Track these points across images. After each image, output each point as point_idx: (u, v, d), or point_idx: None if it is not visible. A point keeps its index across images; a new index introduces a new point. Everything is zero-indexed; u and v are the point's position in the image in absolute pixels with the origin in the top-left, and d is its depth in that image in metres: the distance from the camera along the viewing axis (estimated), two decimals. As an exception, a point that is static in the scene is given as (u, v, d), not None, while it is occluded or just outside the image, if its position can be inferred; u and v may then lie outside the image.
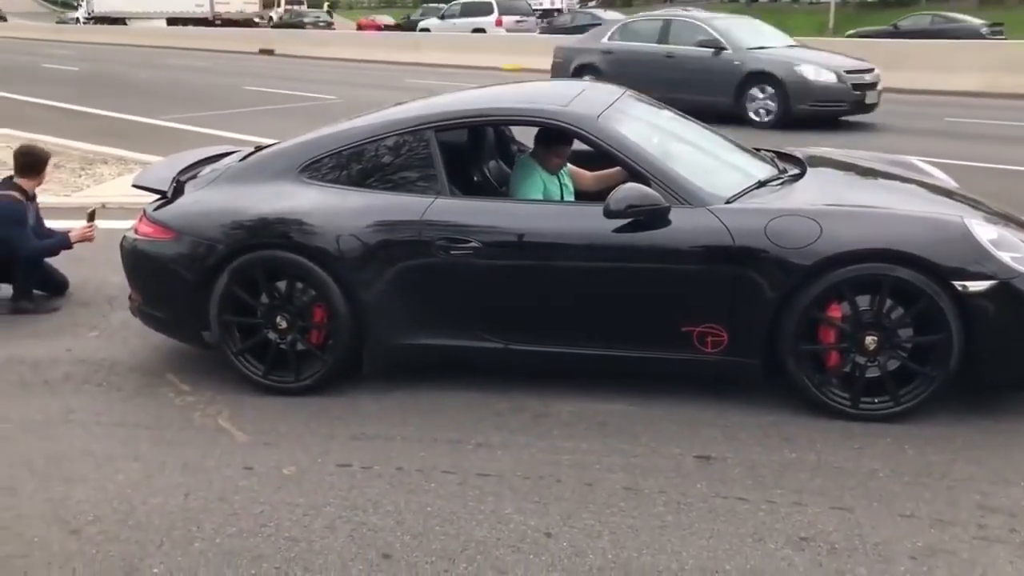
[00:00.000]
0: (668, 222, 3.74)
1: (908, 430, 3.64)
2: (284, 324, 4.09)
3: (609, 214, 3.72)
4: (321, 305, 4.03)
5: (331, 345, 4.06)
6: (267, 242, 4.02)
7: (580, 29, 22.91)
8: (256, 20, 47.22)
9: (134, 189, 4.68)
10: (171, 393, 4.22)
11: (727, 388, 3.99)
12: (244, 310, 4.12)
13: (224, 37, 35.55)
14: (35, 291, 5.49)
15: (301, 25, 42.83)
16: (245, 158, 4.55)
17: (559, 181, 4.49)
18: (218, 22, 44.62)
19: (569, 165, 4.62)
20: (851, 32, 25.90)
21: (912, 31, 24.80)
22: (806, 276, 3.60)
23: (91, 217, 5.44)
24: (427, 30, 32.52)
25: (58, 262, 5.64)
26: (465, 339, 4.02)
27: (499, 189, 4.66)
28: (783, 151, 4.90)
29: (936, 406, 3.72)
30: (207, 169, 4.60)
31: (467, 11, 32.55)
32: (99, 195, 8.28)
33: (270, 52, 30.90)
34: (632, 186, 3.77)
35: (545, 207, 4.12)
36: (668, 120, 4.72)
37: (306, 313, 4.07)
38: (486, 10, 32.08)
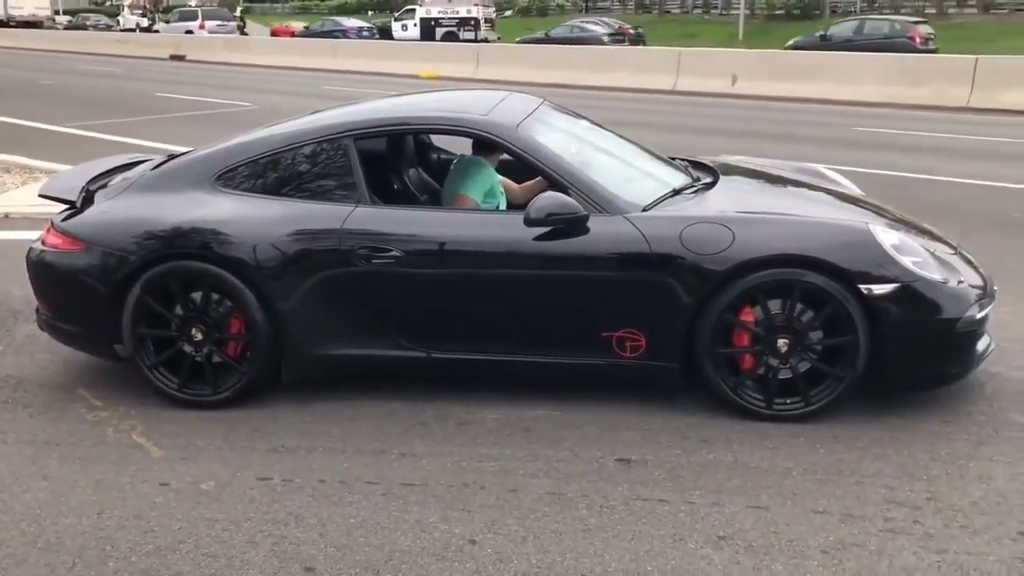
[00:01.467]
0: (587, 230, 3.80)
1: (820, 430, 3.77)
2: (200, 336, 4.00)
3: (529, 222, 3.77)
4: (238, 316, 3.96)
5: (249, 357, 4.00)
6: (181, 252, 3.93)
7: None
8: (46, 23, 53.09)
9: (40, 199, 4.52)
10: (83, 409, 4.09)
11: (647, 391, 4.06)
12: (158, 322, 4.02)
13: (133, 42, 34.64)
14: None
15: (84, 27, 49.75)
16: (158, 167, 4.44)
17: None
18: (12, 24, 49.34)
19: (499, 177, 4.64)
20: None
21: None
22: (720, 281, 3.70)
23: None
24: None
25: (-42, 275, 5.42)
26: (387, 348, 4.00)
27: (419, 197, 4.66)
28: (696, 159, 5.03)
29: (845, 406, 3.87)
30: (118, 178, 4.47)
31: (183, 16, 42.29)
32: (2, 205, 7.97)
33: (181, 58, 30.22)
34: (551, 195, 3.82)
35: (466, 216, 4.13)
36: (586, 129, 4.79)
37: (222, 324, 3.99)
38: (193, 16, 41.41)
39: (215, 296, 3.97)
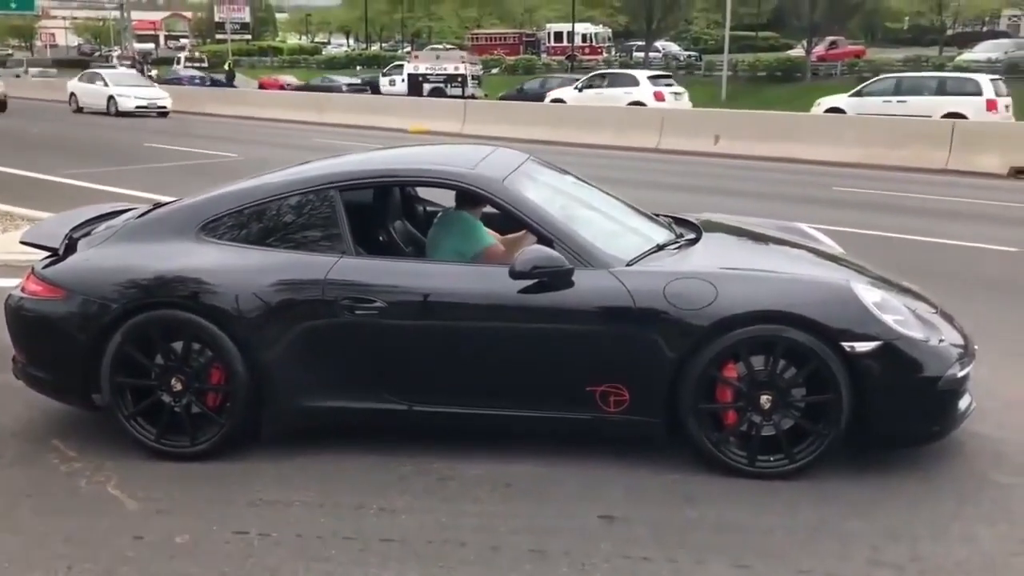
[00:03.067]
0: (571, 283, 3.80)
1: (802, 487, 3.74)
2: (179, 386, 3.95)
3: (514, 275, 3.77)
4: (219, 366, 3.92)
5: (228, 408, 3.95)
6: (164, 301, 3.91)
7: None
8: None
9: (21, 246, 4.49)
10: (56, 459, 4.01)
11: (629, 447, 4.03)
12: (137, 372, 3.97)
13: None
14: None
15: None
16: (142, 215, 4.43)
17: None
18: None
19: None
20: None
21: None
22: (703, 336, 3.70)
23: None
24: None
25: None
26: (369, 401, 3.96)
27: (404, 249, 4.66)
28: (679, 216, 5.07)
29: (828, 464, 3.84)
30: (102, 226, 4.45)
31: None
32: (-18, 251, 7.91)
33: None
34: (537, 248, 3.84)
35: (450, 267, 4.12)
36: (571, 185, 4.83)
37: (202, 375, 3.95)
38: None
39: (196, 346, 3.93)
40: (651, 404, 3.82)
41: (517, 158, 4.59)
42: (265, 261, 3.97)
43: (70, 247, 4.24)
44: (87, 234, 4.38)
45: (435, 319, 3.89)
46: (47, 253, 4.31)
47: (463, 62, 37.58)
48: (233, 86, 43.27)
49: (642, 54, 48.40)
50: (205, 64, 51.74)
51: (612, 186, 5.33)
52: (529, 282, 3.79)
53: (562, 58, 51.65)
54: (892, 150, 15.98)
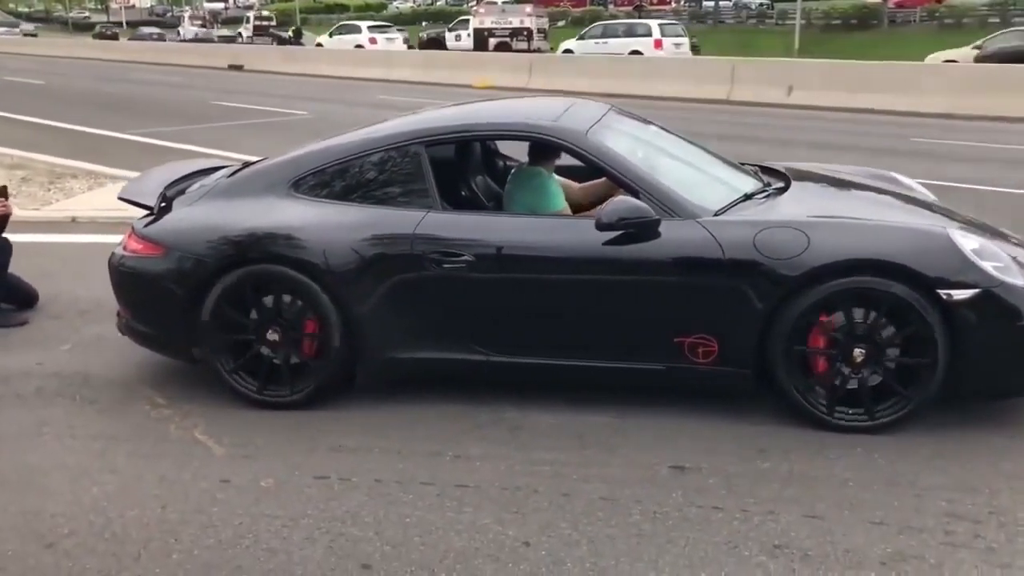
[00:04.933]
0: (658, 234, 3.79)
1: (878, 440, 3.72)
2: (277, 338, 4.08)
3: (601, 227, 3.77)
4: (313, 319, 4.03)
5: (324, 358, 4.07)
6: (259, 257, 4.02)
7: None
8: None
9: (103, 203, 4.66)
10: (147, 406, 4.20)
11: (703, 398, 4.04)
12: (236, 326, 4.11)
13: (193, 52, 35.40)
14: (2, 304, 5.45)
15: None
16: (233, 174, 4.55)
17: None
18: None
19: (557, 177, 4.67)
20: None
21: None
22: (795, 287, 3.67)
23: (2, 193, 5.36)
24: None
25: (26, 276, 5.60)
26: (457, 352, 4.04)
27: (486, 203, 4.70)
28: (765, 165, 4.99)
29: (907, 416, 3.81)
30: (196, 185, 4.58)
31: None
32: (69, 209, 8.22)
33: (239, 68, 30.81)
34: (623, 199, 3.83)
35: (536, 220, 4.14)
36: (654, 135, 4.79)
37: (298, 327, 4.06)
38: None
39: (290, 299, 4.05)
40: (740, 355, 3.81)
41: (599, 109, 4.57)
42: (355, 217, 4.05)
43: (166, 205, 4.38)
44: (181, 192, 4.51)
45: (522, 272, 3.92)
46: (145, 211, 4.45)
47: (529, 15, 37.19)
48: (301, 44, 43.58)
49: (712, 2, 47.26)
50: (273, 23, 52.07)
51: (685, 138, 5.28)
52: (615, 234, 3.80)
53: (630, 8, 50.73)
54: (976, 98, 15.39)
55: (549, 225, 4.06)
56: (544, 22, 38.71)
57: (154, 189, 4.48)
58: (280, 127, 14.94)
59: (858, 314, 3.70)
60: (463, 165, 4.74)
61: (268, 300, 4.08)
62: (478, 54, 30.51)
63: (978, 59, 21.46)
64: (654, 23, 29.68)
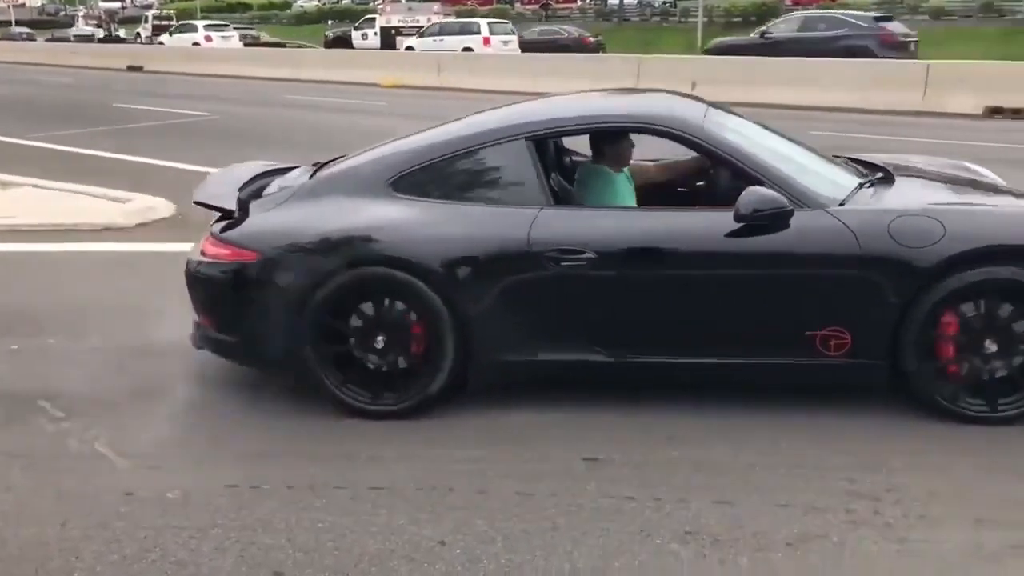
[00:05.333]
0: (788, 225, 3.72)
1: (783, 425, 3.83)
2: (385, 345, 3.90)
3: (739, 218, 3.69)
4: (423, 322, 3.87)
5: (435, 364, 3.89)
6: (366, 259, 3.86)
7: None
8: None
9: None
10: (44, 420, 4.03)
11: (609, 392, 4.10)
12: (341, 333, 3.93)
13: (92, 53, 34.19)
14: None
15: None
16: (315, 174, 4.36)
17: (629, 181, 4.48)
18: None
19: (634, 162, 4.62)
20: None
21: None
22: (932, 276, 3.63)
23: None
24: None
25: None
26: (576, 353, 3.90)
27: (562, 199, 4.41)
28: (853, 157, 4.87)
29: (809, 400, 3.94)
30: (272, 186, 4.40)
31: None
32: (-44, 217, 7.82)
33: (139, 68, 29.87)
34: (756, 190, 3.72)
35: (659, 214, 4.01)
36: (752, 128, 4.53)
37: (407, 332, 3.90)
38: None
39: (397, 304, 3.88)
40: (874, 347, 3.76)
41: (699, 104, 4.44)
42: (464, 215, 3.91)
43: (243, 208, 4.15)
44: (255, 194, 4.31)
45: (648, 269, 3.81)
46: (219, 215, 4.23)
47: (436, 13, 37.10)
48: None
49: (617, 1, 47.94)
50: (173, 22, 50.68)
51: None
52: (740, 226, 3.72)
53: (536, 7, 51.06)
54: (869, 93, 15.97)
55: (672, 218, 3.93)
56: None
57: (227, 192, 4.25)
58: (185, 129, 14.55)
59: (990, 304, 3.67)
60: (544, 161, 4.43)
61: (372, 305, 3.90)
62: (386, 52, 30.33)
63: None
64: (483, 22, 31.80)
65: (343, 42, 39.02)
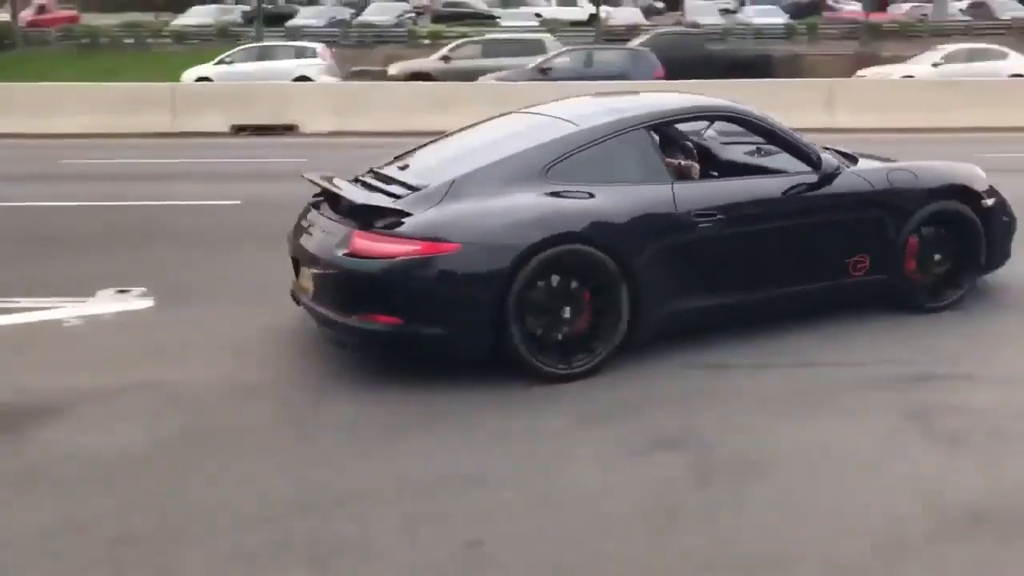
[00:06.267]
0: (831, 182, 5.10)
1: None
2: (573, 314, 4.43)
3: (824, 176, 5.06)
4: (602, 290, 4.45)
5: (612, 326, 4.50)
6: (562, 239, 4.35)
7: None
8: None
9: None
10: None
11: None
12: (543, 309, 4.38)
13: None
14: None
15: None
16: (454, 180, 4.54)
17: None
18: None
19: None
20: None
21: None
22: (911, 210, 5.22)
23: None
24: None
25: None
26: (714, 299, 4.82)
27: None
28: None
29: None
30: (405, 194, 4.53)
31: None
32: None
33: None
34: (824, 156, 5.13)
35: (749, 181, 5.21)
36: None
37: (590, 301, 4.45)
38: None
39: (583, 276, 4.42)
40: (882, 266, 5.18)
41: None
42: (621, 195, 4.62)
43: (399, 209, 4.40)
44: (392, 197, 4.54)
45: (757, 224, 4.94)
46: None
47: None
48: None
49: None
50: None
51: None
52: (818, 180, 5.06)
53: None
54: (120, 117, 15.74)
55: (760, 183, 5.13)
56: None
57: (364, 197, 4.56)
58: None
59: (937, 230, 5.34)
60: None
61: (560, 279, 4.40)
62: None
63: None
64: None
65: None
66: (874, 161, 5.61)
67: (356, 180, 4.97)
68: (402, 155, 5.28)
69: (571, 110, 5.26)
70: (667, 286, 4.64)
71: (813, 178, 5.06)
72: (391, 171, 4.98)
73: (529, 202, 4.48)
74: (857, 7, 37.38)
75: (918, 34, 33.25)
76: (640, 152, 4.86)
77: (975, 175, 5.63)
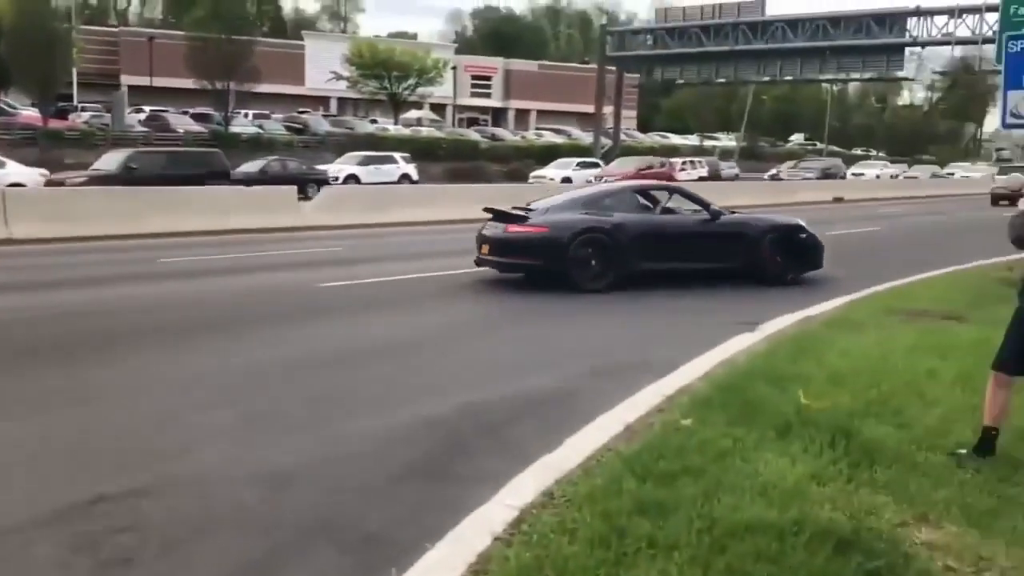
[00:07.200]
0: (719, 218, 10.97)
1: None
2: (594, 262, 10.26)
3: (713, 215, 10.95)
4: (604, 253, 10.20)
5: (610, 271, 10.27)
6: (587, 230, 10.13)
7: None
8: None
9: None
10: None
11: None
12: (587, 257, 10.28)
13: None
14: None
15: None
16: (541, 207, 10.80)
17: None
18: None
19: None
20: None
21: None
22: (758, 235, 10.98)
23: None
24: None
25: None
26: (661, 264, 10.51)
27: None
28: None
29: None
30: (529, 215, 10.56)
31: None
32: None
33: None
34: (717, 210, 11.16)
35: (669, 218, 11.30)
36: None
37: (602, 257, 10.29)
38: None
39: (600, 246, 10.14)
40: (746, 263, 11.04)
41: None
42: (618, 215, 10.41)
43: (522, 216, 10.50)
44: (524, 208, 10.79)
45: (680, 232, 10.88)
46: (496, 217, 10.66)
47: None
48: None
49: None
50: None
51: None
52: (712, 218, 10.98)
53: None
54: None
55: (676, 218, 11.21)
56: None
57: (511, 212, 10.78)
58: None
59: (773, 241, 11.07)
60: (630, 200, 11.32)
61: (588, 248, 10.19)
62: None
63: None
64: None
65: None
66: (740, 213, 12.11)
67: (511, 208, 10.80)
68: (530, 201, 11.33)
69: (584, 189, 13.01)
70: (636, 255, 10.19)
71: (708, 216, 10.94)
72: (523, 206, 10.99)
73: (576, 216, 10.37)
74: (35, 112, 37.16)
75: (100, 142, 33.68)
76: (622, 203, 10.90)
77: (795, 222, 11.39)
